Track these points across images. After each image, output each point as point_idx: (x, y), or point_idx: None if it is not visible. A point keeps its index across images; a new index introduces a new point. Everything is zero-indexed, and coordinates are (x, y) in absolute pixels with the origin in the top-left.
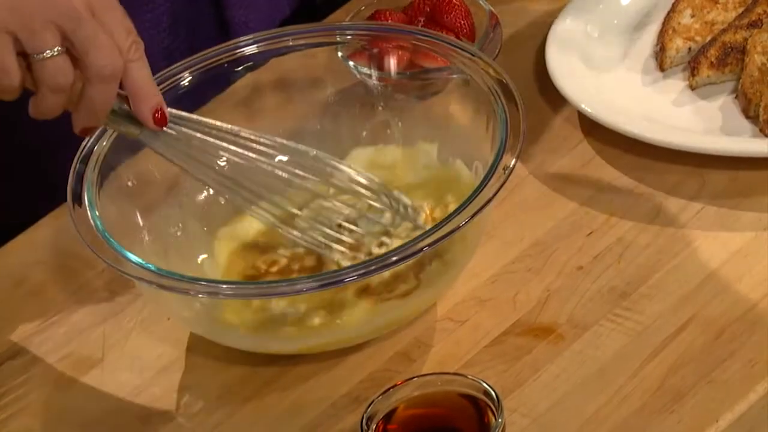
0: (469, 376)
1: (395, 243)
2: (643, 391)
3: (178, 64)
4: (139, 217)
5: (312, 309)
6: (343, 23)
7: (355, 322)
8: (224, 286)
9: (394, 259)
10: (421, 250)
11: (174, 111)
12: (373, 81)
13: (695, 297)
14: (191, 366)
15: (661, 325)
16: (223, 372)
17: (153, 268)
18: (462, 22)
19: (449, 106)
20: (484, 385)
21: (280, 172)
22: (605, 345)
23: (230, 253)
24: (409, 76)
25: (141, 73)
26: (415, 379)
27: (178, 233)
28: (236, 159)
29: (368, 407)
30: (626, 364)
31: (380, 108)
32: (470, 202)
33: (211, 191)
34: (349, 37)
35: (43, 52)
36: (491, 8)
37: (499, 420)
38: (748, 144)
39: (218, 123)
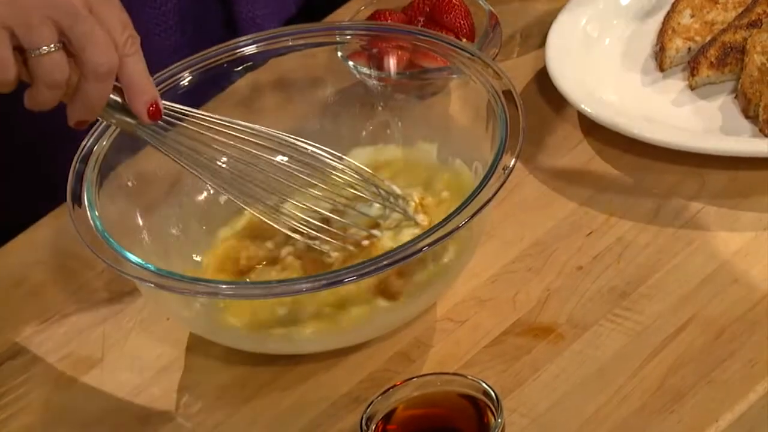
0: (469, 377)
1: (386, 235)
2: (643, 391)
3: (178, 63)
4: (138, 217)
5: (312, 309)
6: (343, 23)
7: (355, 323)
8: (224, 286)
9: (394, 259)
10: (421, 250)
11: (169, 104)
12: (373, 81)
13: (695, 297)
14: (191, 366)
15: (661, 325)
16: (223, 372)
17: (153, 269)
18: (462, 22)
19: (449, 106)
20: (484, 385)
21: (273, 164)
22: (605, 345)
23: (222, 246)
24: (409, 76)
25: (137, 68)
26: (415, 379)
27: (178, 233)
28: (230, 151)
29: (368, 407)
30: (626, 364)
31: (380, 108)
32: (470, 202)
33: (211, 191)
34: (348, 37)
35: (40, 48)
36: (491, 8)
37: (499, 420)
38: (748, 144)
39: (213, 116)
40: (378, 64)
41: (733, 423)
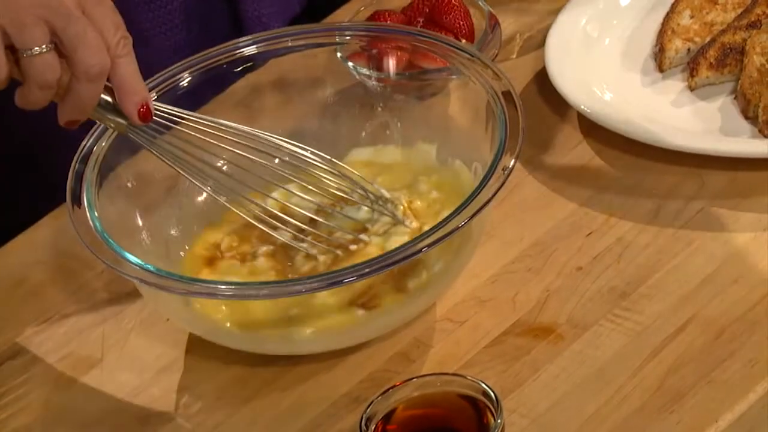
0: (469, 377)
1: (373, 240)
2: (643, 391)
3: (178, 64)
4: (138, 218)
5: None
6: (343, 24)
7: (354, 324)
8: (223, 286)
9: (394, 259)
10: (421, 250)
11: (160, 105)
12: (373, 81)
13: (695, 297)
14: (190, 366)
15: (661, 325)
16: (223, 372)
17: (152, 269)
18: (461, 22)
19: (448, 107)
20: (483, 385)
21: (262, 166)
22: (605, 345)
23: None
24: (409, 76)
25: (128, 69)
26: (415, 379)
27: (178, 234)
28: (220, 153)
29: (367, 407)
30: (626, 364)
31: (379, 108)
32: (469, 203)
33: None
34: (348, 37)
35: (32, 49)
36: (490, 9)
37: (498, 421)
38: (747, 145)
39: (204, 117)
40: (377, 64)
41: (733, 423)
